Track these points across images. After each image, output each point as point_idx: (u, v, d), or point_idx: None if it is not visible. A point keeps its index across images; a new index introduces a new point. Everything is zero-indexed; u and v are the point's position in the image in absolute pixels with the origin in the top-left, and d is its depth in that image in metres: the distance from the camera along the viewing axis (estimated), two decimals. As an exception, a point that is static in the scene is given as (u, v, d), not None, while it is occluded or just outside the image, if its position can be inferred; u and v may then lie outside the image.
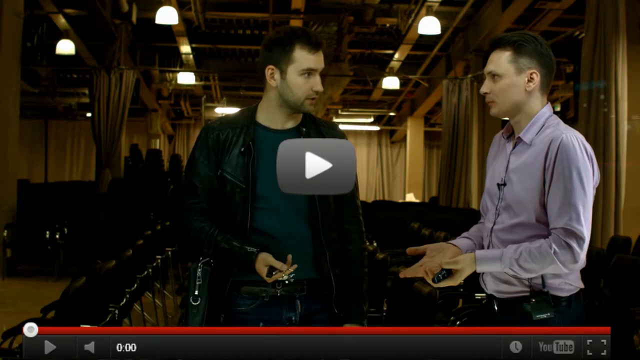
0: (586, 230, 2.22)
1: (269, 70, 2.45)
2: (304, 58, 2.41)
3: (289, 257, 2.32)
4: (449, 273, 2.26)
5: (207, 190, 2.47)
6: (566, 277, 2.29)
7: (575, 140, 2.25)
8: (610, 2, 7.53)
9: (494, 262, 2.26)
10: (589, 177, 2.25)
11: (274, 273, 2.31)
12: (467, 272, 2.28)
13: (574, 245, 2.20)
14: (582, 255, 2.22)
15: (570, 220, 2.20)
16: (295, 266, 2.31)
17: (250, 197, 2.42)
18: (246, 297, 2.44)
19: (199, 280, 2.40)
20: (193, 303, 2.39)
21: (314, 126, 2.51)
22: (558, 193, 2.22)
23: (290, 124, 2.49)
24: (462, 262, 2.26)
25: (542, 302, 2.27)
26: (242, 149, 2.43)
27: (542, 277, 2.27)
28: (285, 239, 2.42)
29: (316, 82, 2.43)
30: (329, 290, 2.46)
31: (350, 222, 2.54)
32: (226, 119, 2.53)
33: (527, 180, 2.29)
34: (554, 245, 2.20)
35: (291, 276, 2.36)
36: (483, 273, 2.39)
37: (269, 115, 2.49)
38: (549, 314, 2.26)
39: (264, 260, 2.34)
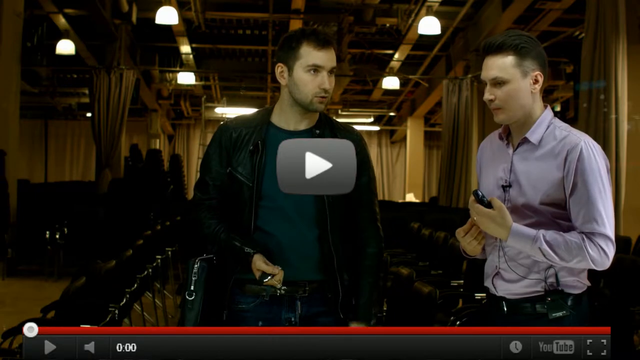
0: (611, 232, 2.23)
1: (279, 68, 2.46)
2: (309, 54, 2.41)
3: (282, 272, 2.30)
4: (488, 205, 2.22)
5: (217, 187, 2.49)
6: (578, 275, 2.29)
7: (593, 146, 2.25)
8: (610, 2, 7.54)
9: (526, 239, 2.22)
10: (608, 181, 2.26)
11: (267, 279, 2.30)
12: (496, 224, 2.22)
13: (606, 248, 2.21)
14: (612, 255, 2.24)
15: (598, 224, 2.21)
16: (281, 275, 2.29)
17: (255, 195, 2.42)
18: (247, 295, 2.44)
19: (195, 276, 2.40)
20: (188, 298, 2.39)
21: (329, 129, 2.50)
22: (582, 199, 2.22)
23: (303, 125, 2.48)
24: (501, 208, 2.21)
25: (558, 300, 2.26)
26: (251, 148, 2.44)
27: (557, 275, 2.27)
28: (288, 239, 2.41)
29: (324, 80, 2.42)
30: (334, 293, 2.43)
31: (366, 226, 2.51)
32: (242, 117, 2.55)
33: (540, 183, 2.26)
34: (588, 247, 2.20)
35: (282, 288, 2.35)
36: (493, 276, 2.36)
37: (283, 115, 2.49)
38: (564, 312, 2.26)
39: (255, 264, 2.33)
